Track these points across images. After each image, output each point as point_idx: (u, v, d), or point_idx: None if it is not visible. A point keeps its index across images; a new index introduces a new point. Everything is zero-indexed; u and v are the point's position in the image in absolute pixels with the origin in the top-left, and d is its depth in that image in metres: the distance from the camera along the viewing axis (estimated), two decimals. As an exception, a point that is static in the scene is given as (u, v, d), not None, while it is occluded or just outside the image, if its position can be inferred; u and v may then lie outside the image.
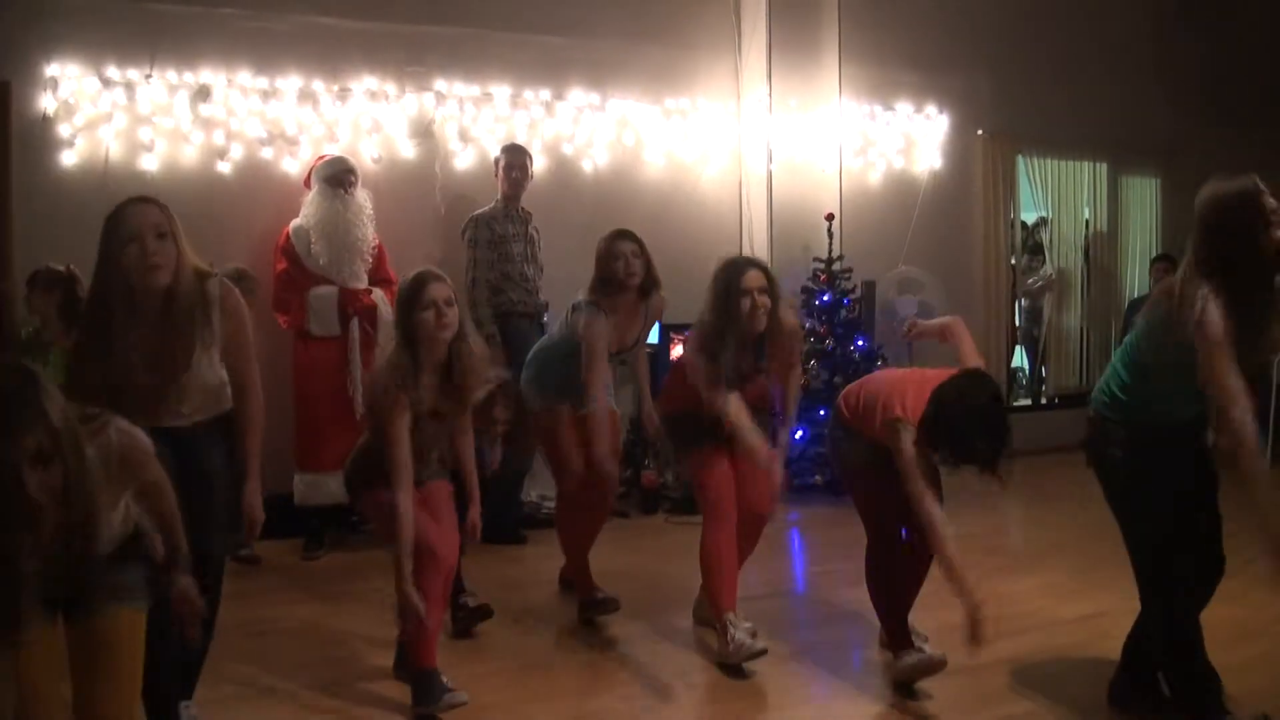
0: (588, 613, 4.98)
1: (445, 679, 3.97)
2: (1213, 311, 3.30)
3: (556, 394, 4.98)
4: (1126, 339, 3.83)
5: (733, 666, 4.34)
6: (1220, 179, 3.49)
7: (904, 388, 3.99)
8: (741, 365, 4.33)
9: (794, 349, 4.60)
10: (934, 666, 4.02)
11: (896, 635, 4.15)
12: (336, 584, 5.33)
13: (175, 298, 3.31)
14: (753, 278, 4.29)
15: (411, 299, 3.91)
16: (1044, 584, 5.43)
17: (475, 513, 4.24)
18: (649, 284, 4.92)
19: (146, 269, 3.25)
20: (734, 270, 4.33)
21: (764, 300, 4.27)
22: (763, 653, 4.30)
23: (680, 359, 4.54)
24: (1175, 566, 3.58)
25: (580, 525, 5.09)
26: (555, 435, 5.03)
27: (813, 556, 6.26)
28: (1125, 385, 3.68)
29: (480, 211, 6.64)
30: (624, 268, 4.79)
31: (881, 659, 4.40)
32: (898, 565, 4.17)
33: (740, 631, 4.34)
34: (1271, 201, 3.39)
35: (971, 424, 3.80)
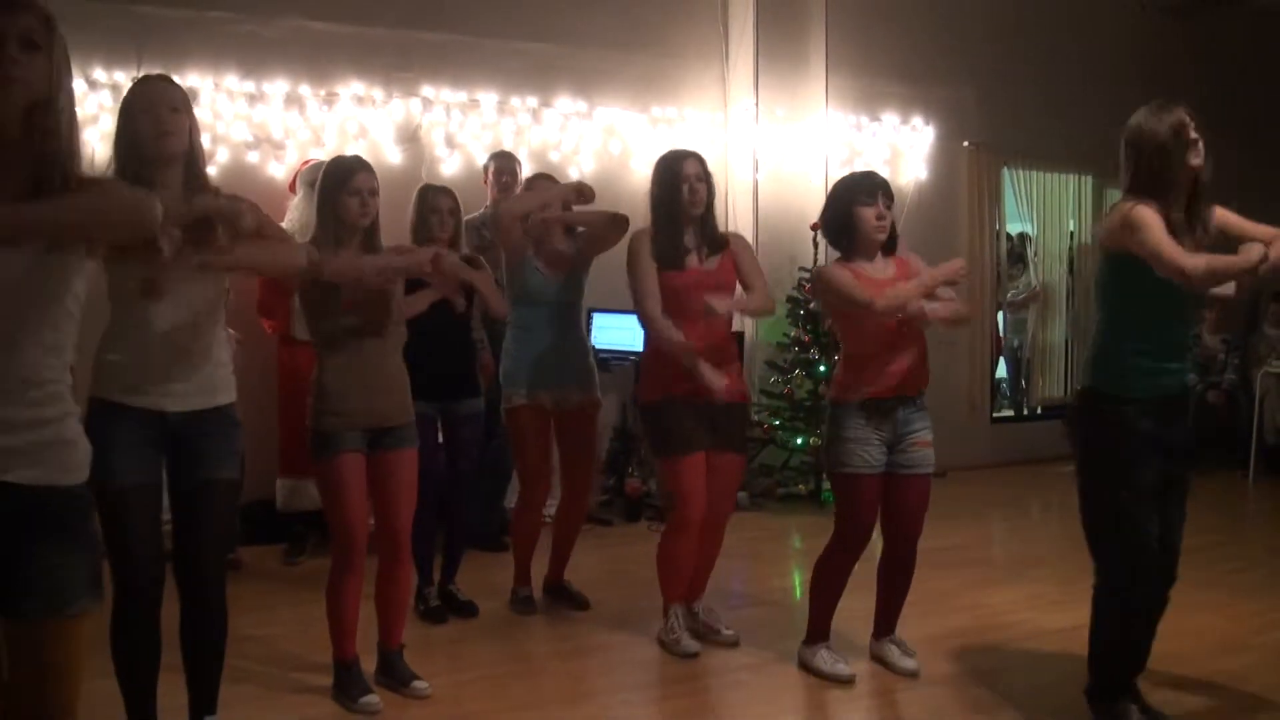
0: (517, 606, 5.23)
1: (411, 672, 4.21)
2: (1142, 209, 3.46)
3: (532, 384, 5.03)
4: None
5: (666, 642, 4.65)
6: (1151, 107, 3.65)
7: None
8: (684, 243, 4.57)
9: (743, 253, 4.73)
10: (837, 681, 4.30)
11: (817, 625, 4.41)
12: (318, 589, 5.27)
13: (193, 164, 3.25)
14: (690, 168, 4.57)
15: (339, 183, 4.02)
16: (1028, 595, 5.44)
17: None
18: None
19: (159, 135, 3.18)
20: (673, 165, 4.61)
21: (700, 187, 4.56)
22: (692, 657, 4.55)
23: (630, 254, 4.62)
24: (1137, 559, 3.56)
25: (533, 525, 5.26)
26: (525, 433, 5.10)
27: (797, 565, 6.25)
28: (1104, 340, 3.68)
29: (469, 217, 6.62)
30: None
31: (869, 667, 4.40)
32: (846, 573, 4.34)
33: (679, 628, 4.64)
34: (1193, 132, 3.55)
35: (845, 181, 4.40)
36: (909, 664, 4.43)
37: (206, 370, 3.29)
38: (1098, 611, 3.72)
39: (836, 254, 4.38)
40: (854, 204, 4.25)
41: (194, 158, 3.27)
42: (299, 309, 6.04)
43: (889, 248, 4.33)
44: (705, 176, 4.61)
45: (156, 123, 3.18)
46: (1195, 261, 3.38)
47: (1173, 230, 3.47)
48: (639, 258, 4.55)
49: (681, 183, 4.54)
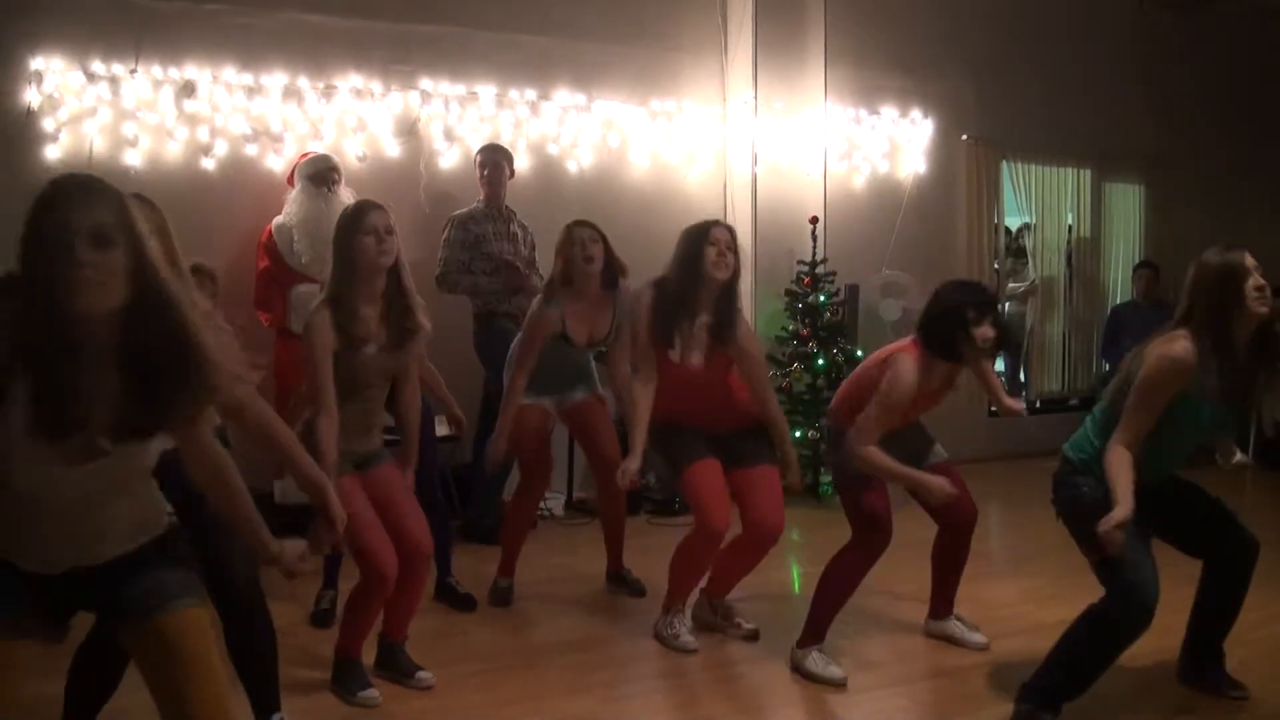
0: (496, 597, 5.26)
1: (414, 664, 4.23)
2: (1178, 358, 3.55)
3: (536, 390, 5.07)
4: (1100, 404, 3.91)
5: (664, 637, 4.65)
6: (1216, 250, 3.68)
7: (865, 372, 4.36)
8: (696, 321, 4.46)
9: (754, 354, 4.62)
10: (829, 684, 4.24)
11: (818, 628, 4.34)
12: (316, 584, 5.31)
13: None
14: (720, 234, 4.46)
15: (352, 225, 3.91)
16: (1025, 589, 5.45)
17: (410, 474, 4.24)
18: (613, 273, 5.07)
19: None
20: (702, 228, 4.51)
21: (729, 255, 4.43)
22: (690, 652, 4.53)
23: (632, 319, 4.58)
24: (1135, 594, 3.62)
25: (527, 516, 5.36)
26: (527, 429, 5.13)
27: (799, 559, 6.26)
28: (1095, 442, 3.78)
29: (459, 212, 6.62)
30: (581, 253, 4.95)
31: (862, 662, 4.41)
32: (860, 578, 4.32)
33: (679, 623, 4.62)
34: (1258, 279, 3.60)
35: (956, 294, 4.17)
36: (978, 638, 4.57)
37: None
38: (1083, 630, 3.75)
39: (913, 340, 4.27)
40: (966, 315, 4.12)
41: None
42: (296, 305, 6.07)
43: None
44: (734, 245, 4.50)
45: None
46: (1114, 464, 3.56)
47: (1223, 375, 3.57)
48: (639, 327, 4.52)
49: (708, 245, 4.43)
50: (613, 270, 5.07)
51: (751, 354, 4.59)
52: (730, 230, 4.54)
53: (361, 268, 3.89)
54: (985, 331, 4.13)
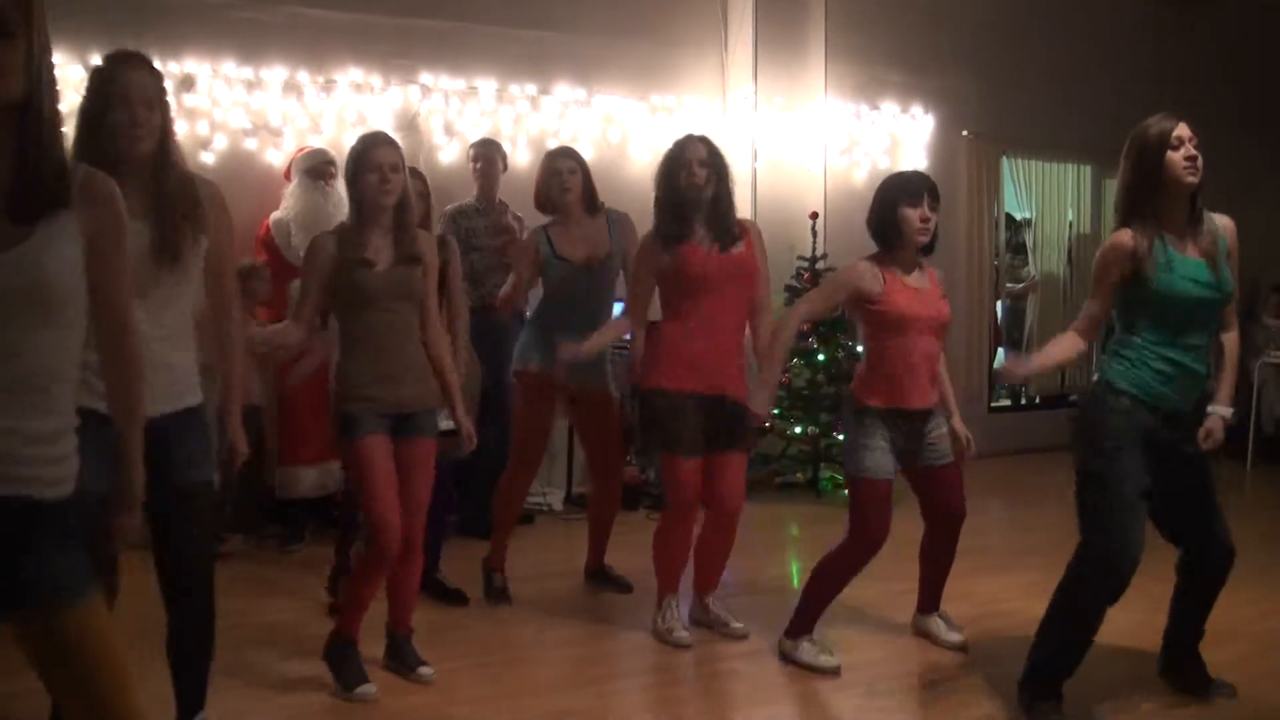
0: (492, 596, 5.23)
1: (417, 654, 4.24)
2: (1108, 249, 3.68)
3: (549, 359, 5.01)
4: None
5: (659, 632, 4.65)
6: (1156, 118, 3.71)
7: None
8: (693, 229, 4.52)
9: (752, 245, 4.63)
10: (821, 672, 4.28)
11: (806, 620, 4.37)
12: (315, 577, 5.32)
13: (163, 158, 3.11)
14: (693, 153, 4.52)
15: (358, 162, 3.94)
16: (1024, 583, 5.44)
17: (460, 415, 4.21)
18: (592, 198, 5.18)
19: (131, 139, 3.04)
20: (674, 152, 4.60)
21: (700, 170, 4.50)
22: (685, 648, 4.52)
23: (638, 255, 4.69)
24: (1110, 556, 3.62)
25: (518, 502, 5.35)
26: (530, 398, 5.16)
27: (794, 554, 6.27)
28: (1112, 343, 3.78)
29: (451, 206, 6.61)
30: (559, 185, 5.08)
31: (859, 657, 4.41)
32: (851, 574, 4.32)
33: (673, 618, 4.63)
34: (1190, 149, 3.60)
35: (893, 180, 4.36)
36: (954, 637, 4.54)
37: (171, 375, 3.17)
38: (1059, 594, 3.78)
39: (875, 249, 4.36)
40: (899, 204, 4.22)
41: (164, 152, 3.12)
42: (293, 298, 6.06)
43: (929, 249, 4.32)
44: (709, 160, 4.53)
45: (132, 124, 3.05)
46: (1059, 339, 3.82)
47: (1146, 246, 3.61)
48: (639, 260, 4.63)
49: (679, 169, 4.51)
50: (591, 196, 5.18)
51: (757, 230, 4.71)
52: (705, 143, 4.58)
53: (366, 203, 3.95)
54: (923, 212, 4.20)
